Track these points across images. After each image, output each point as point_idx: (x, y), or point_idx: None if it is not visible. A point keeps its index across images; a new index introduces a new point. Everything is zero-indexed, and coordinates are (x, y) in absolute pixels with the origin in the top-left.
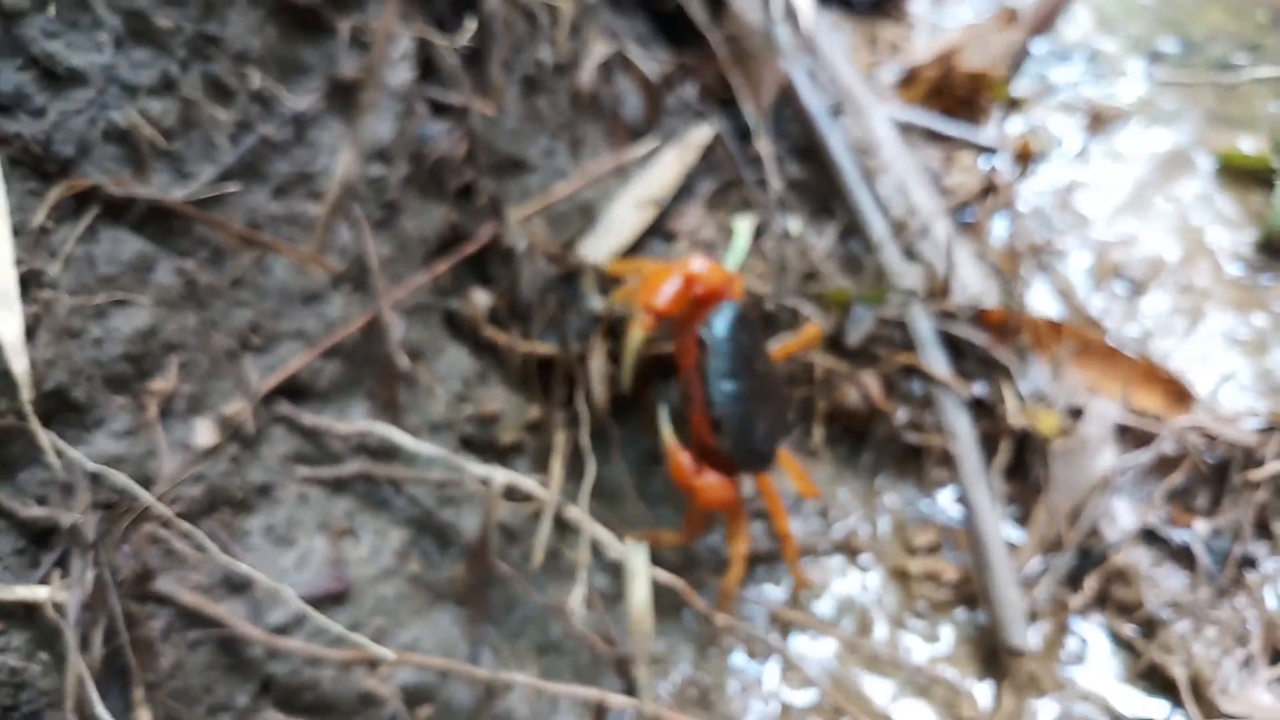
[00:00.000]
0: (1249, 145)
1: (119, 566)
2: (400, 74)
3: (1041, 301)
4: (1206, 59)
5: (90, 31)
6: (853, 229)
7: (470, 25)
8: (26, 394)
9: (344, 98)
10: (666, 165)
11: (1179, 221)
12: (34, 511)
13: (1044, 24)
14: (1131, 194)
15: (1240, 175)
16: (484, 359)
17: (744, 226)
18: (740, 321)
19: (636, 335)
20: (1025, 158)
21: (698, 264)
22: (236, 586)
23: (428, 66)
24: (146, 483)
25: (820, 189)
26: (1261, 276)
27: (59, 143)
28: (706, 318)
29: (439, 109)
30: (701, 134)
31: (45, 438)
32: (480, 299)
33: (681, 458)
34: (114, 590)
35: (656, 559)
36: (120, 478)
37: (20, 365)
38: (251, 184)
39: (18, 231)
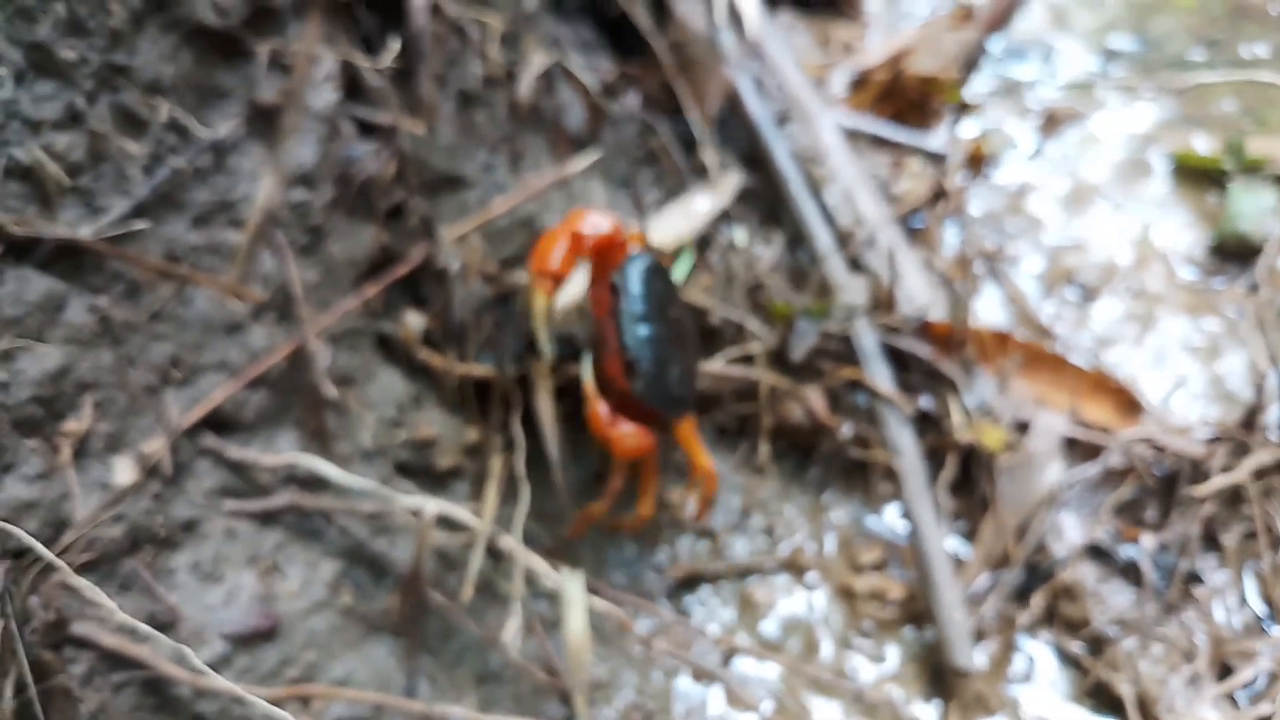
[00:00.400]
0: (1204, 145)
1: (32, 615)
2: (324, 96)
3: (992, 309)
4: (1163, 56)
5: None
6: (800, 238)
7: (394, 46)
8: None
9: (265, 122)
10: (695, 208)
11: (1133, 224)
12: None
13: (999, 21)
14: (1085, 196)
15: (1195, 176)
16: (419, 382)
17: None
18: (653, 269)
19: (540, 301)
20: (977, 161)
21: (586, 223)
22: (161, 624)
23: (354, 86)
24: (62, 526)
25: (768, 197)
26: (1214, 280)
27: None
28: (620, 265)
29: (367, 129)
30: (732, 181)
31: None
32: (413, 321)
33: (599, 407)
34: (20, 641)
35: (599, 577)
36: (21, 535)
37: None
38: (168, 214)
39: None
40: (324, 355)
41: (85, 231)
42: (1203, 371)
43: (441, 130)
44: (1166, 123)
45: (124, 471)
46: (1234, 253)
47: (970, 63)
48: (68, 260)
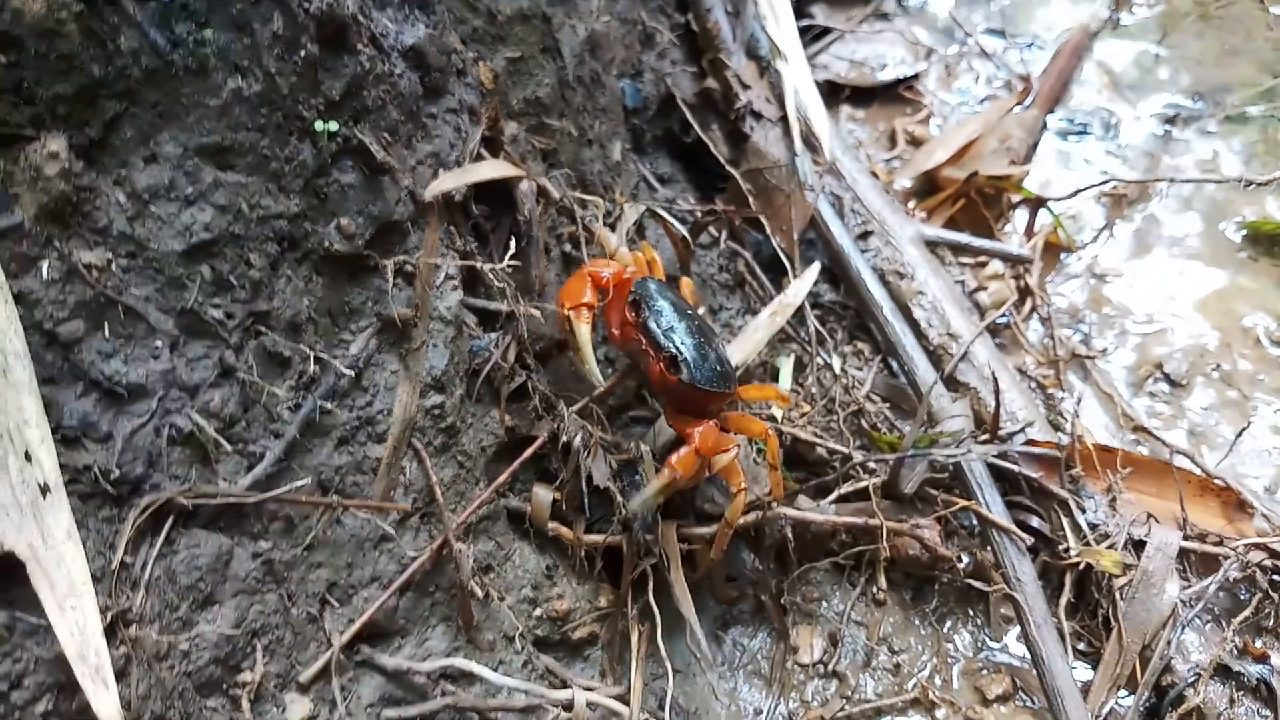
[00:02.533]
0: (1275, 205)
1: None
2: (448, 299)
3: (1088, 409)
4: (1224, 110)
5: (145, 341)
6: (892, 349)
7: (511, 246)
8: None
9: (396, 333)
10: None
11: (1215, 300)
12: None
13: (1057, 95)
14: (1163, 275)
15: (1271, 241)
16: (550, 553)
17: (786, 365)
18: (662, 283)
19: (582, 330)
20: (1053, 250)
21: (599, 267)
22: None
23: (471, 277)
24: None
25: (854, 309)
26: None
27: (127, 464)
28: (634, 286)
29: (484, 315)
30: (809, 274)
31: None
32: (542, 496)
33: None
34: None
35: None
36: None
37: None
38: (314, 442)
39: (99, 577)
40: (468, 556)
41: (244, 482)
42: None
43: (548, 293)
44: (1235, 187)
45: (297, 708)
46: None
47: (1034, 142)
48: (232, 513)
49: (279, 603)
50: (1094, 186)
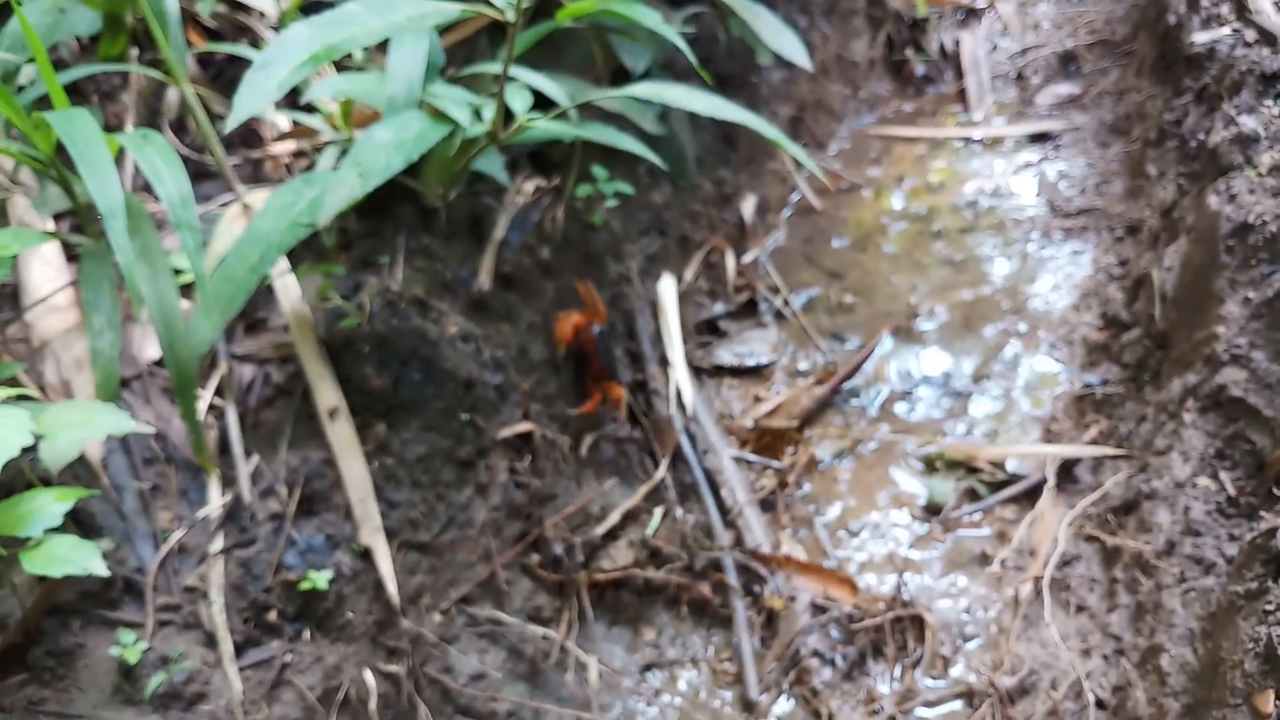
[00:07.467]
0: (935, 448)
1: None
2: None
3: (802, 538)
4: (955, 391)
5: None
6: (706, 511)
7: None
8: None
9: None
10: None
11: (889, 491)
12: None
13: (847, 377)
14: (868, 481)
15: (930, 464)
16: (539, 585)
17: (657, 513)
18: (603, 330)
19: (564, 346)
20: (811, 464)
21: (575, 317)
22: None
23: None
24: None
25: (695, 489)
26: (922, 525)
27: None
28: (594, 329)
29: (517, 483)
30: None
31: None
32: (534, 558)
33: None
34: None
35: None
36: None
37: None
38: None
39: None
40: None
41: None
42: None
43: (545, 477)
44: (921, 437)
45: None
46: (935, 510)
47: (821, 404)
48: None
49: None
50: (838, 442)
